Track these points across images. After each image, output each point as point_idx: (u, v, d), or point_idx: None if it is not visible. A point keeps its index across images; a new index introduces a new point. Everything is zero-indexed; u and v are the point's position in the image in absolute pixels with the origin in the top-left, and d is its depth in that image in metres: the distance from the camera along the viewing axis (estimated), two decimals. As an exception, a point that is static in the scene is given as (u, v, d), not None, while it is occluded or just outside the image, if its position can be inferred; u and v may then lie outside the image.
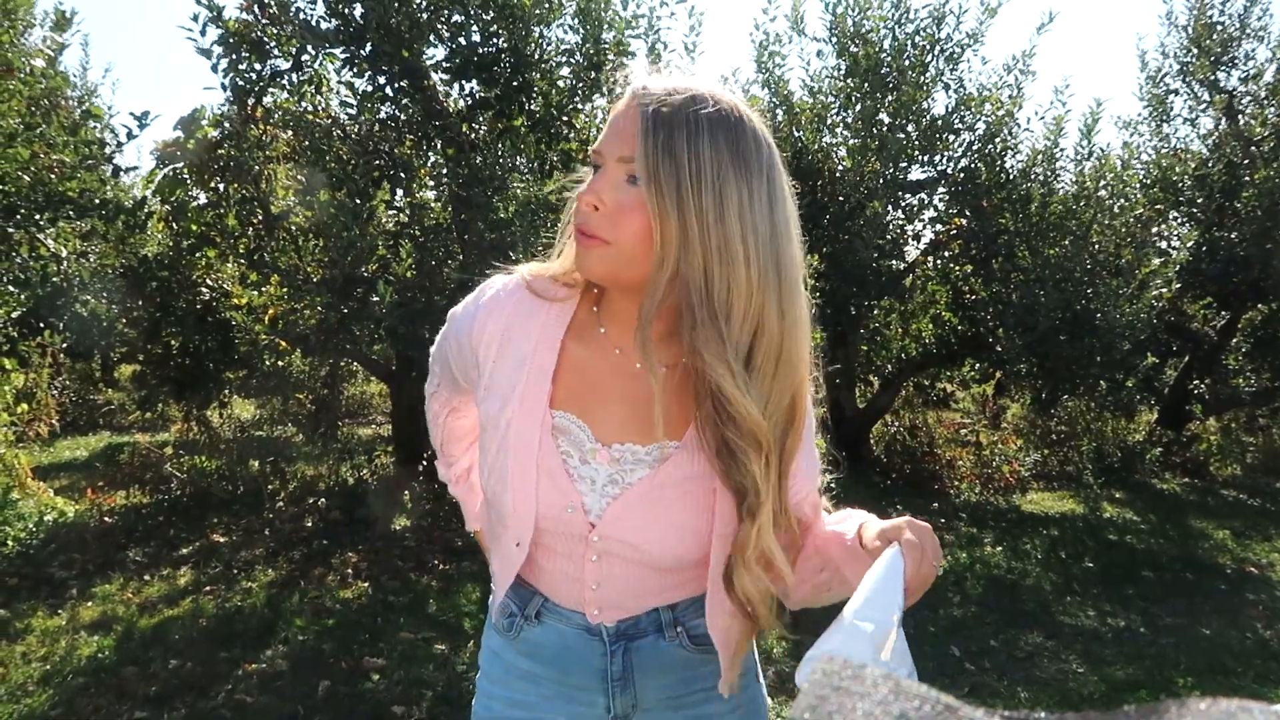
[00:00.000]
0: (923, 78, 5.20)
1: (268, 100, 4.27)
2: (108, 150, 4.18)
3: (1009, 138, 5.49)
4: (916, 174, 5.69)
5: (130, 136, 4.04)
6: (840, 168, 5.58)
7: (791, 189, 0.93)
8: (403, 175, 4.24)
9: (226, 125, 4.17)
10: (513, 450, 0.97)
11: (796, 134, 5.69)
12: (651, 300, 0.88)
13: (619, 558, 1.00)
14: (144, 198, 4.47)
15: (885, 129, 5.21)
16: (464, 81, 4.30)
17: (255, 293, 4.02)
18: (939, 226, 5.92)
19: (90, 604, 3.66)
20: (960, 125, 5.42)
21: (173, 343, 5.41)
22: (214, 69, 3.90)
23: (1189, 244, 6.31)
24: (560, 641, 1.07)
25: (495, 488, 0.99)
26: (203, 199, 4.42)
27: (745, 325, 0.88)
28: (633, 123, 0.86)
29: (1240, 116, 6.84)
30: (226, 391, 5.99)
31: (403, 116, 4.32)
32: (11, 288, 4.30)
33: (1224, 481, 6.92)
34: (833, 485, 1.13)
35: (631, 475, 0.97)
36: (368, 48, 3.97)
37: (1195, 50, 6.94)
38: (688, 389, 0.94)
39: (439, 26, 4.12)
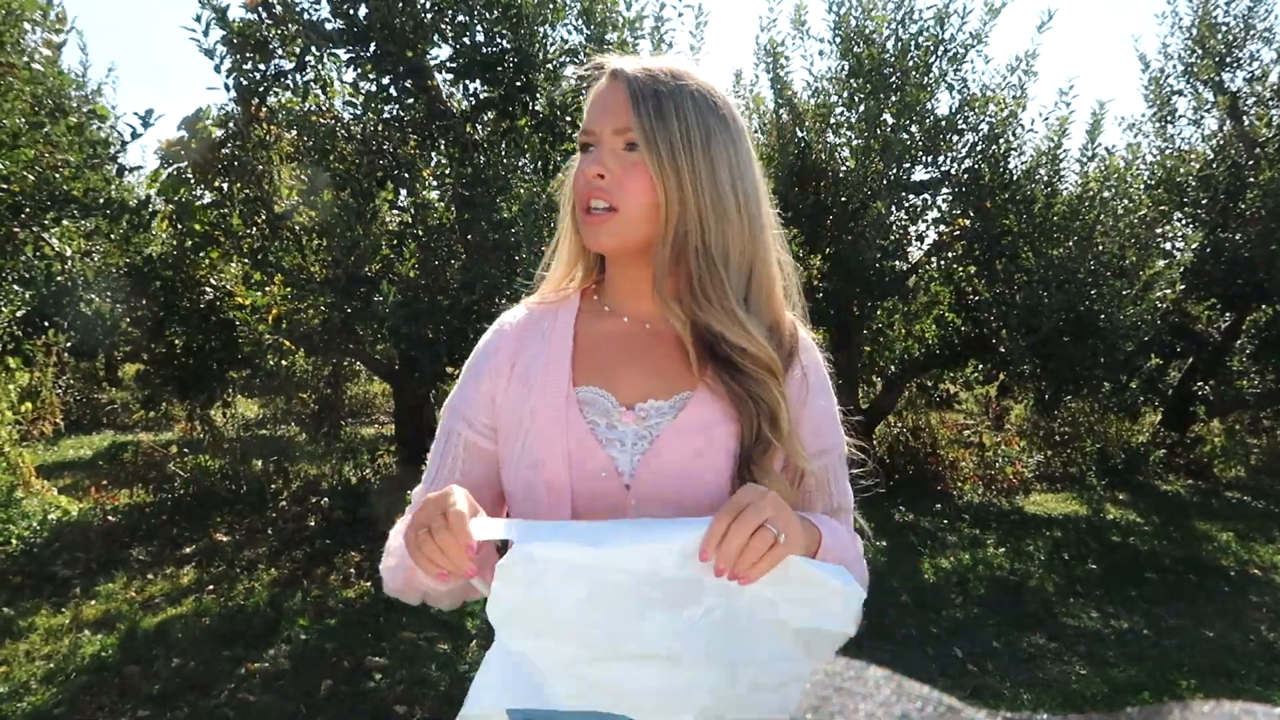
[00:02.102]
0: (926, 78, 5.19)
1: (272, 100, 4.28)
2: (112, 150, 4.18)
3: (1012, 138, 5.48)
4: (920, 175, 5.68)
5: (134, 135, 4.04)
6: (844, 168, 5.58)
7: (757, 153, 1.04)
8: (406, 175, 4.24)
9: (231, 125, 4.18)
10: (539, 432, 1.00)
11: (800, 134, 5.69)
12: (663, 253, 0.96)
13: None
14: (148, 197, 4.48)
15: (889, 130, 5.20)
16: (468, 82, 4.31)
17: (259, 292, 4.02)
18: (942, 227, 5.92)
19: (93, 602, 3.67)
20: (964, 126, 5.41)
21: (176, 342, 5.42)
22: (216, 69, 3.91)
23: (1193, 245, 6.30)
24: None
25: (526, 475, 1.00)
26: (207, 199, 4.43)
27: (741, 271, 0.98)
28: (620, 96, 0.95)
29: (1245, 117, 6.82)
30: (230, 391, 6.00)
31: (406, 116, 4.33)
32: (16, 287, 4.31)
33: (1228, 483, 6.90)
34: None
35: (658, 428, 1.00)
36: (372, 48, 3.98)
37: (1199, 51, 6.92)
38: (693, 341, 1.01)
39: (443, 27, 4.13)
